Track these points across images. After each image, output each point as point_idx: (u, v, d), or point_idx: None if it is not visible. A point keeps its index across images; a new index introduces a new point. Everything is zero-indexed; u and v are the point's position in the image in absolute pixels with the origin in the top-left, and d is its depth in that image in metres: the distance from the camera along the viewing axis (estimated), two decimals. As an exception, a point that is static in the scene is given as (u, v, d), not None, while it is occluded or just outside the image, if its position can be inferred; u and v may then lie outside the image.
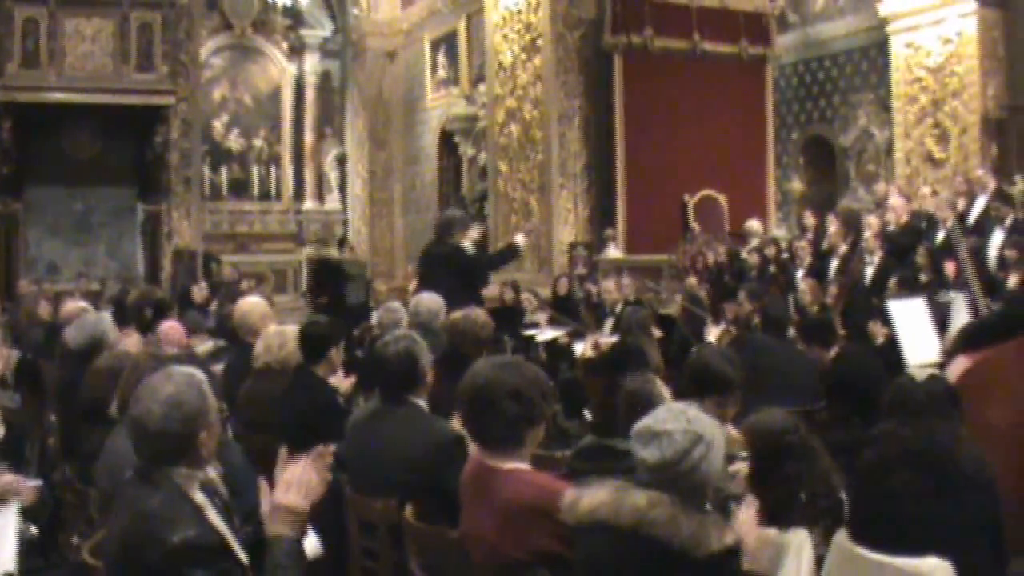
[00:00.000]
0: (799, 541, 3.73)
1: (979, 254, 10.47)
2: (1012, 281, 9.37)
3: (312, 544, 3.52)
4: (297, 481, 3.22)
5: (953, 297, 8.76)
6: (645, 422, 3.29)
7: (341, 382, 6.54)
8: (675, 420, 3.23)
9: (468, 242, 9.66)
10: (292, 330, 6.50)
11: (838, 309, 10.66)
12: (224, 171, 24.48)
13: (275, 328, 6.78)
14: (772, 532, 3.75)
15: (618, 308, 11.85)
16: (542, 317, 12.92)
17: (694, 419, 3.25)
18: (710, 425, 3.26)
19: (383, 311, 8.23)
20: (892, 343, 8.27)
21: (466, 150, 20.84)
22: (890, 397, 4.03)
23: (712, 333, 9.67)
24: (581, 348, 10.48)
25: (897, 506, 3.48)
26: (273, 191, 25.07)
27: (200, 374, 3.34)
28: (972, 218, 11.76)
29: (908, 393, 3.97)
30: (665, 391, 4.45)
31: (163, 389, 3.21)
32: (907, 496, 3.48)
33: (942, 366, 5.52)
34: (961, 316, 7.67)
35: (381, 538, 4.54)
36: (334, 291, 16.24)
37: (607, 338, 10.20)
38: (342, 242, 23.76)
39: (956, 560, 3.32)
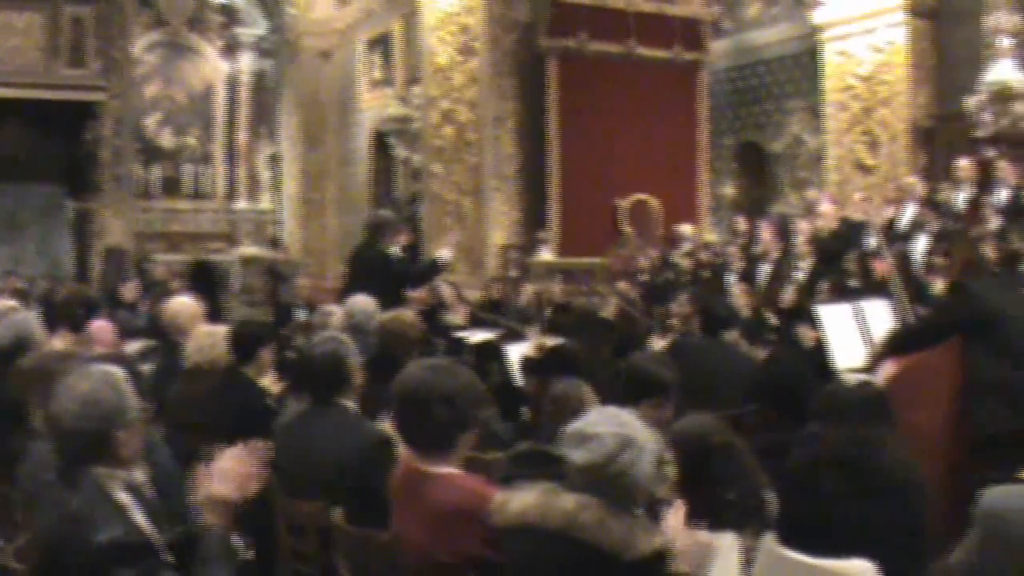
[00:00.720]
0: (727, 544, 3.74)
1: (905, 260, 10.61)
2: (937, 287, 9.49)
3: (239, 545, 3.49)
4: (230, 473, 3.20)
5: (878, 303, 8.85)
6: (576, 424, 3.29)
7: (272, 384, 6.49)
8: (605, 423, 3.24)
9: (397, 247, 9.65)
10: (222, 330, 6.46)
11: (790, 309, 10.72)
12: (156, 169, 24.27)
13: (206, 328, 6.74)
14: (700, 534, 3.75)
15: (549, 311, 11.82)
16: (461, 312, 12.78)
17: (625, 423, 3.25)
18: (641, 429, 3.27)
19: (317, 314, 8.20)
20: (821, 347, 8.32)
21: (400, 151, 20.76)
22: (822, 401, 4.06)
23: (657, 343, 9.64)
24: (514, 350, 10.44)
25: (825, 508, 3.50)
26: (206, 190, 24.89)
27: (118, 372, 3.30)
28: (903, 225, 11.90)
29: (840, 397, 4.00)
30: (592, 397, 4.47)
31: (78, 387, 3.18)
32: (835, 498, 3.49)
33: (869, 370, 5.58)
34: (886, 322, 7.73)
35: (310, 540, 4.52)
36: (213, 296, 15.89)
37: (552, 340, 10.16)
38: (275, 242, 23.62)
39: (882, 562, 3.34)
